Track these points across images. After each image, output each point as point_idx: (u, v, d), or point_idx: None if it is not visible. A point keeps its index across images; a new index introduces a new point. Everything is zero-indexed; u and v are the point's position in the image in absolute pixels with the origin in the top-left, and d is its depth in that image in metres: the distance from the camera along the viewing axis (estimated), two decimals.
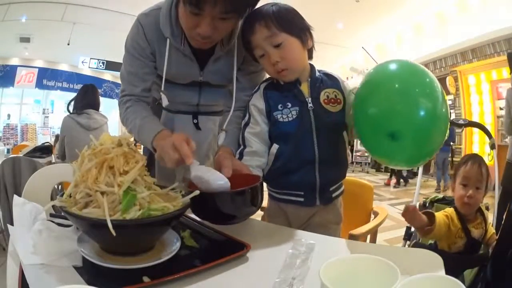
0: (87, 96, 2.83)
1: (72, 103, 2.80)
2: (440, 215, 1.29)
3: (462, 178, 1.34)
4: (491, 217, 1.55)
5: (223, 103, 1.17)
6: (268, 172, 0.98)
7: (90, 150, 0.62)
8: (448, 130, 0.86)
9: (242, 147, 0.97)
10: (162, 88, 0.99)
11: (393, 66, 0.87)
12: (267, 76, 1.08)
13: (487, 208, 1.42)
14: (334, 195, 1.02)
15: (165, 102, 1.00)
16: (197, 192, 0.66)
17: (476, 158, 1.35)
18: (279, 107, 0.95)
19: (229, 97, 1.12)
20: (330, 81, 1.01)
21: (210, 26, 0.83)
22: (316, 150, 0.94)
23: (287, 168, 0.96)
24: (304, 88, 0.96)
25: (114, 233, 0.52)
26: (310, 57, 0.99)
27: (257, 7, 0.90)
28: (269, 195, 1.05)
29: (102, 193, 0.57)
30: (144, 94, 1.03)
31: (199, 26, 0.83)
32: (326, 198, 1.00)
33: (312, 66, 1.00)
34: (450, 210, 1.36)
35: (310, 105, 0.94)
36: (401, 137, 0.80)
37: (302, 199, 0.97)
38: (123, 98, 1.04)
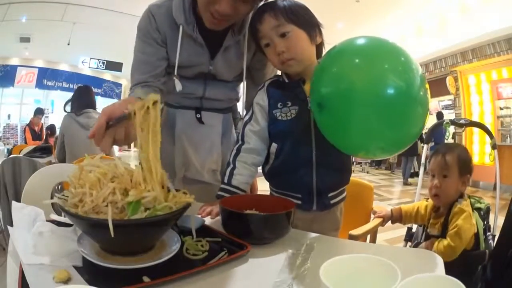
0: (82, 96, 2.87)
1: (69, 103, 2.83)
2: (409, 207, 1.49)
3: (430, 171, 1.41)
4: (492, 217, 1.55)
5: (228, 100, 1.17)
6: (269, 170, 0.99)
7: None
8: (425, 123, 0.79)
9: (240, 142, 0.98)
10: (175, 73, 1.00)
11: (361, 40, 0.81)
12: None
13: (488, 210, 1.41)
14: (333, 201, 0.98)
15: (178, 86, 1.00)
16: (191, 199, 0.65)
17: (440, 149, 1.40)
18: (279, 105, 0.95)
19: (234, 94, 1.16)
20: None
21: (229, 4, 0.85)
22: (314, 152, 0.92)
23: (285, 168, 0.95)
24: (308, 87, 0.92)
25: (112, 234, 0.52)
26: (319, 54, 0.97)
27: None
28: (271, 194, 1.04)
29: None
30: (151, 80, 1.01)
31: (218, 4, 0.86)
32: (323, 204, 0.97)
33: None
34: (429, 201, 1.44)
35: (310, 104, 0.91)
36: (326, 107, 0.77)
37: (300, 202, 0.95)
38: (132, 88, 1.01)
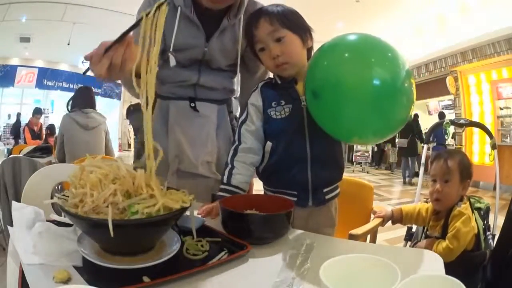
0: (82, 97, 2.88)
1: (71, 102, 2.83)
2: (410, 208, 1.49)
3: (431, 176, 1.42)
4: (492, 217, 1.55)
5: (223, 90, 1.16)
6: (263, 169, 1.01)
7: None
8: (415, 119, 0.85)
9: (237, 143, 0.99)
10: (171, 49, 1.01)
11: (352, 36, 0.87)
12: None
13: (488, 210, 1.41)
14: (327, 197, 1.00)
15: (172, 62, 1.01)
16: (191, 198, 0.65)
17: (442, 155, 1.41)
18: (273, 104, 0.97)
19: (229, 84, 1.16)
20: None
21: None
22: (308, 149, 0.95)
23: (280, 166, 0.97)
24: (300, 87, 0.96)
25: (112, 234, 0.52)
26: (310, 58, 1.00)
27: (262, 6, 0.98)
28: (265, 193, 1.05)
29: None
30: None
31: None
32: (319, 199, 0.99)
33: None
34: (430, 204, 1.44)
35: (303, 103, 0.93)
36: (320, 95, 0.82)
37: (295, 199, 0.96)
38: None
